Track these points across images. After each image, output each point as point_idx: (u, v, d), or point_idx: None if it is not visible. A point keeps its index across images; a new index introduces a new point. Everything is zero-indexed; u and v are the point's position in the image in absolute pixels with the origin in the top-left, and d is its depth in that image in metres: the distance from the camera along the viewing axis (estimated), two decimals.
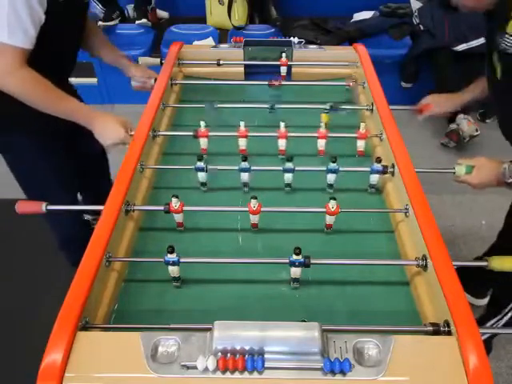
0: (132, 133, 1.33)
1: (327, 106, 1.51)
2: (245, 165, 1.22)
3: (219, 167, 1.29)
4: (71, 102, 1.33)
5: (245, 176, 1.26)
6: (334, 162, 1.21)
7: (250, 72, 1.80)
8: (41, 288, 2.09)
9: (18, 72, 1.22)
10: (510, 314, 1.47)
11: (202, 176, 1.27)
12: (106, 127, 1.34)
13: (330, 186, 1.27)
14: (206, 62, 1.79)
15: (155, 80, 1.63)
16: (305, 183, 1.31)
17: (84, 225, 1.94)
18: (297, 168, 1.23)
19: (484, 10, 1.20)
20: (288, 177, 1.26)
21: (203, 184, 1.29)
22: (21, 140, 1.48)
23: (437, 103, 1.51)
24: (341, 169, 1.23)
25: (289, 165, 1.22)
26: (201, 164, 1.23)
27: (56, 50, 1.36)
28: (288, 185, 1.28)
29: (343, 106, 1.54)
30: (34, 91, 1.25)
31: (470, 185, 1.24)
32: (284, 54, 1.74)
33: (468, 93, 1.49)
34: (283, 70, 1.74)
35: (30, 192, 1.69)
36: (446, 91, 1.58)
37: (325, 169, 1.24)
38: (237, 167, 1.24)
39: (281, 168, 1.24)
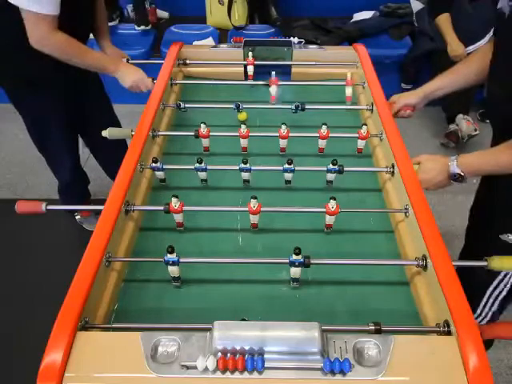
0: (155, 81, 1.61)
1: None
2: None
3: (219, 167, 1.29)
4: (97, 55, 1.67)
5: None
6: (290, 164, 1.22)
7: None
8: (41, 288, 2.09)
9: (53, 36, 1.49)
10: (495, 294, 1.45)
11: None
12: (127, 73, 1.69)
13: (288, 181, 1.27)
14: (206, 62, 1.79)
15: (127, 61, 1.82)
16: (305, 183, 1.31)
17: (79, 179, 2.22)
18: (297, 168, 1.23)
19: None
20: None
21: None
22: (32, 95, 1.76)
23: (398, 97, 1.49)
24: (297, 168, 1.23)
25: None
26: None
27: (75, 14, 1.59)
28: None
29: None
30: (68, 50, 1.55)
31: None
32: (250, 54, 1.72)
33: (431, 83, 1.46)
34: (250, 68, 1.71)
35: (35, 136, 1.95)
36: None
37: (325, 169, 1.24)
38: (238, 167, 1.24)
39: (281, 168, 1.24)
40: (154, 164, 1.25)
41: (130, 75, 1.69)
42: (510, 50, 1.15)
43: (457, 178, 1.18)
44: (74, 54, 1.57)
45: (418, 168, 1.23)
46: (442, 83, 1.44)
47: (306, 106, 1.51)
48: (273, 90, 1.61)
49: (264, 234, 1.17)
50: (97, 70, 1.67)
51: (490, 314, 1.48)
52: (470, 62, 1.39)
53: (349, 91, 1.63)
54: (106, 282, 0.98)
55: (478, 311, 1.50)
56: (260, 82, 1.67)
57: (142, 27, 3.23)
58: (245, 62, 1.76)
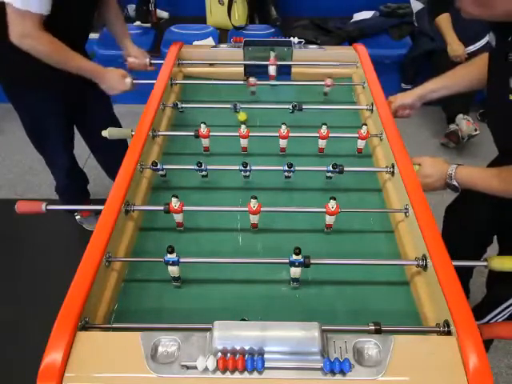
0: (136, 81, 1.67)
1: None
2: (245, 169, 1.24)
3: (219, 167, 1.29)
4: (80, 60, 1.60)
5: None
6: (290, 167, 1.22)
7: (250, 72, 1.80)
8: (41, 288, 2.10)
9: (36, 35, 1.46)
10: (508, 310, 1.46)
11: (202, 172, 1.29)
12: (110, 80, 1.67)
13: (288, 176, 1.28)
14: (206, 61, 1.79)
15: (150, 60, 1.85)
16: (305, 183, 1.31)
17: (77, 178, 2.23)
18: (297, 168, 1.24)
19: (496, 20, 1.06)
20: (287, 173, 1.27)
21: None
22: (29, 93, 1.75)
23: (395, 98, 1.50)
24: (297, 168, 1.23)
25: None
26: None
27: (70, 17, 1.58)
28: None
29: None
30: (49, 51, 1.51)
31: None
32: (272, 53, 1.72)
33: (429, 84, 1.46)
34: (272, 69, 1.71)
35: (33, 137, 1.94)
36: None
37: (324, 169, 1.24)
38: (238, 167, 1.24)
39: (281, 168, 1.25)
40: (153, 167, 1.25)
41: (112, 85, 1.68)
42: (496, 83, 1.16)
43: (452, 188, 1.22)
44: (54, 56, 1.53)
45: (418, 170, 1.23)
46: (438, 85, 1.44)
47: (306, 106, 1.51)
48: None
49: (264, 233, 1.17)
50: (77, 73, 1.62)
51: (501, 320, 1.49)
52: (470, 69, 1.39)
53: (326, 90, 1.68)
54: (106, 281, 0.98)
55: (487, 319, 1.50)
56: (253, 82, 1.67)
57: (139, 23, 3.22)
58: (245, 62, 1.76)
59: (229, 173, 1.31)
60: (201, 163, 1.24)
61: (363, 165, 1.40)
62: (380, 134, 1.38)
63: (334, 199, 1.09)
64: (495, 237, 1.58)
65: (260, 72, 1.74)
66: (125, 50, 1.91)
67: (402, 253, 1.11)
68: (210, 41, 3.22)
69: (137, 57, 1.87)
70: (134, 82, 1.70)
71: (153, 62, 1.87)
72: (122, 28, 1.91)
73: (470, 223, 1.58)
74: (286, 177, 1.28)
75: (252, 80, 1.64)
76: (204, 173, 1.29)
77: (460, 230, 1.61)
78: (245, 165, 1.23)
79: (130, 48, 1.89)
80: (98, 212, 1.05)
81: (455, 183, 1.19)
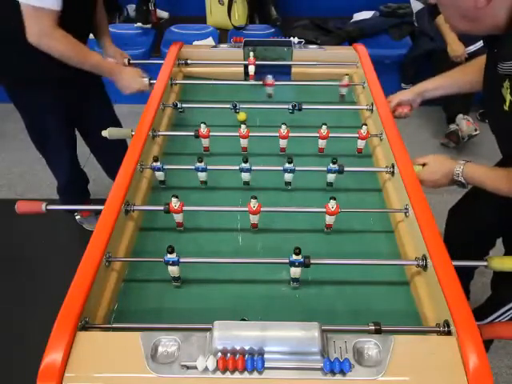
0: (152, 81, 1.61)
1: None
2: (245, 165, 1.23)
3: (219, 167, 1.30)
4: (96, 57, 1.62)
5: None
6: (290, 163, 1.22)
7: (262, 72, 1.79)
8: (41, 288, 2.10)
9: (53, 33, 1.46)
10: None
11: (202, 175, 1.28)
12: (125, 78, 1.66)
13: (288, 182, 1.27)
14: (206, 61, 1.79)
15: (128, 60, 1.85)
16: (305, 183, 1.31)
17: (78, 178, 2.21)
18: (297, 168, 1.24)
19: (484, 34, 1.08)
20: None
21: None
22: (31, 93, 1.74)
23: (394, 96, 1.50)
24: (297, 168, 1.23)
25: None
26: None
27: (74, 13, 1.55)
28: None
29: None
30: (67, 49, 1.51)
31: (421, 182, 1.19)
32: (251, 54, 1.72)
33: (427, 82, 1.47)
34: (251, 68, 1.72)
35: (32, 133, 1.92)
36: None
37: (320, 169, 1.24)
38: (238, 167, 1.24)
39: (281, 168, 1.24)
40: (154, 163, 1.25)
41: (127, 83, 1.67)
42: (490, 91, 1.16)
43: (459, 185, 1.21)
44: (72, 53, 1.54)
45: (425, 168, 1.23)
46: (437, 84, 1.45)
47: (306, 106, 1.51)
48: (269, 89, 1.64)
49: (264, 234, 1.17)
50: (94, 72, 1.64)
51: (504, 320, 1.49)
52: (467, 71, 1.39)
53: (343, 91, 1.67)
54: (106, 282, 0.98)
55: (488, 320, 1.50)
56: (257, 82, 1.67)
57: (140, 24, 3.22)
58: (245, 62, 1.76)
59: (229, 173, 1.31)
60: (201, 159, 1.23)
61: (363, 165, 1.40)
62: (380, 134, 1.38)
63: (334, 199, 1.09)
64: (497, 240, 1.58)
65: (261, 72, 1.73)
66: (103, 48, 1.90)
67: (402, 253, 1.11)
68: (210, 41, 3.21)
69: (115, 57, 1.86)
70: (151, 82, 1.68)
71: (132, 62, 1.86)
72: (103, 27, 1.89)
73: (475, 225, 1.57)
74: (287, 183, 1.27)
75: (269, 79, 1.62)
76: (203, 176, 1.28)
77: (465, 232, 1.60)
78: (245, 160, 1.22)
79: (109, 47, 1.88)
80: (98, 212, 1.05)
81: (462, 180, 1.18)
